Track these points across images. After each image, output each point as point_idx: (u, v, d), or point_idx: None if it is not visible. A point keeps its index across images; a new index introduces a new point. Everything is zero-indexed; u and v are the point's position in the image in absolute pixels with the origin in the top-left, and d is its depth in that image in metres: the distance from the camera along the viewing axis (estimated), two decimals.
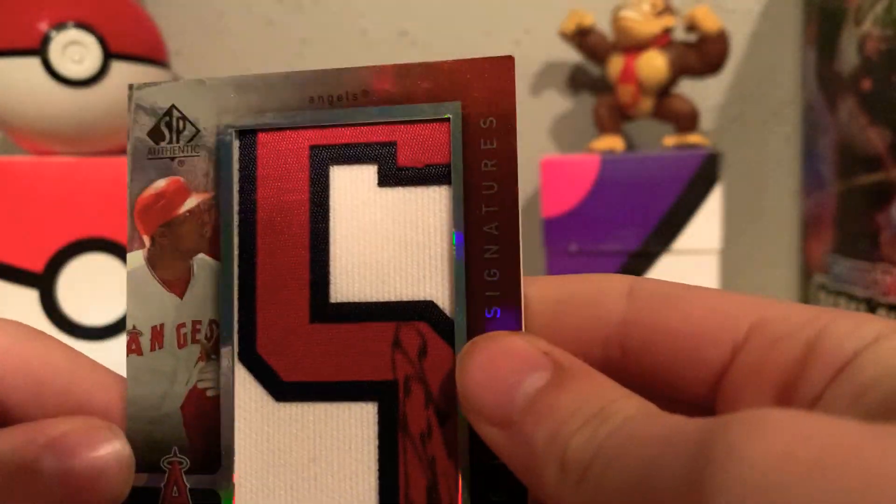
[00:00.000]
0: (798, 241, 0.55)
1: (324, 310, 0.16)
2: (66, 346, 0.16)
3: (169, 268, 0.16)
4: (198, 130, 0.16)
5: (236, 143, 0.16)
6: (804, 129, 0.53)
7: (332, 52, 0.56)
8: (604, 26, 0.48)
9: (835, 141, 0.47)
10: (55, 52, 0.41)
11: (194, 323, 0.16)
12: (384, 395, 0.15)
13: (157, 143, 0.16)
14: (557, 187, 0.44)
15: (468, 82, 0.15)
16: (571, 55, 0.52)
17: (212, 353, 0.16)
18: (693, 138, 0.46)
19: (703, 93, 0.52)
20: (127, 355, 0.16)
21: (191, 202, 0.16)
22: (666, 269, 0.43)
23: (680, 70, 0.46)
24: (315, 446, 0.16)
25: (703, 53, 0.46)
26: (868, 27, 0.43)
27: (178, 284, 0.16)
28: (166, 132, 0.16)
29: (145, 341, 0.16)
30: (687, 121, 0.47)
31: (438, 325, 0.15)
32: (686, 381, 0.15)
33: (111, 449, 0.15)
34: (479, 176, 0.15)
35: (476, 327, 0.15)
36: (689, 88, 0.49)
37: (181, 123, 0.16)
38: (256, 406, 0.16)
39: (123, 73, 0.43)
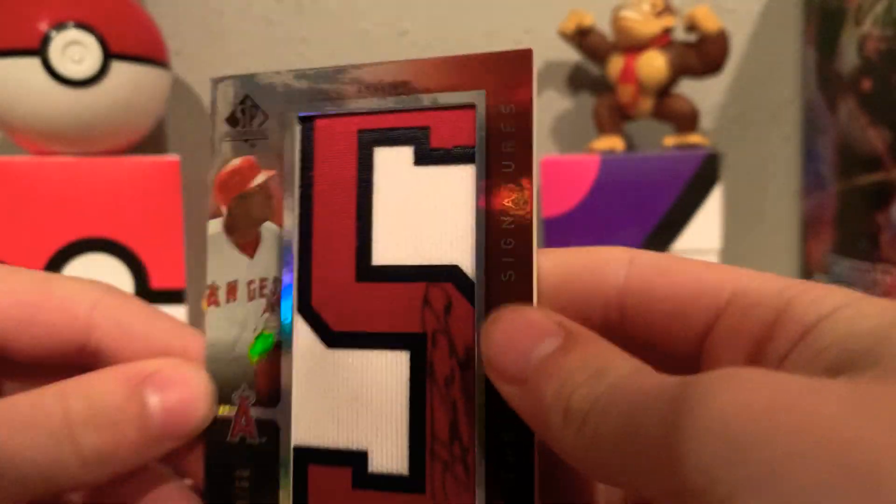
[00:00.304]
0: (798, 242, 0.55)
1: (367, 271, 0.18)
2: (144, 301, 0.19)
3: (242, 233, 0.19)
4: (266, 116, 0.19)
5: (298, 128, 0.19)
6: (804, 130, 0.53)
7: (332, 52, 0.56)
8: (604, 26, 0.48)
9: (835, 141, 0.47)
10: (55, 53, 0.41)
11: (261, 280, 0.19)
12: (415, 345, 0.18)
13: (233, 127, 0.19)
14: (557, 187, 0.44)
15: (491, 73, 0.17)
16: (571, 55, 0.52)
17: (275, 306, 0.18)
18: (693, 138, 0.46)
19: (703, 93, 0.52)
20: (206, 306, 0.19)
21: (260, 178, 0.19)
22: None
23: (680, 70, 0.46)
24: (357, 386, 0.18)
25: (703, 53, 0.46)
26: (868, 27, 0.43)
27: (249, 247, 0.19)
28: (241, 118, 0.19)
29: (222, 295, 0.19)
30: (687, 121, 0.47)
31: (462, 286, 0.18)
32: (675, 341, 0.17)
33: (200, 382, 0.18)
34: (500, 156, 0.17)
35: (493, 289, 0.17)
36: (689, 88, 0.49)
37: (254, 110, 0.19)
38: (311, 351, 0.18)
39: (123, 73, 0.43)
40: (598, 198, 0.44)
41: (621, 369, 0.14)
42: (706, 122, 0.53)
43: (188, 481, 0.19)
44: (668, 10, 0.46)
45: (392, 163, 0.18)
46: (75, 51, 0.41)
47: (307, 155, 0.19)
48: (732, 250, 0.48)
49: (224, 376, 0.18)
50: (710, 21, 0.45)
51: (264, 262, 0.19)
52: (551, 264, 0.17)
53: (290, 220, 0.18)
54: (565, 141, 0.56)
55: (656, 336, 0.17)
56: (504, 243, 0.17)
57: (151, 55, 0.44)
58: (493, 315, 0.16)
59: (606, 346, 0.15)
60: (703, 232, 0.43)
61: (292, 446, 0.18)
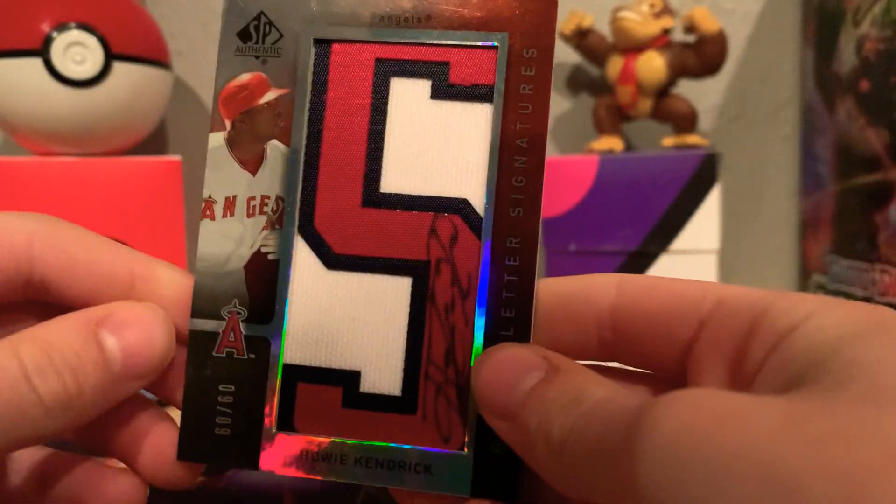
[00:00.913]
0: (796, 242, 0.55)
1: (374, 197, 0.19)
2: (89, 231, 0.19)
3: (245, 149, 0.19)
4: (281, 35, 0.19)
5: (313, 50, 0.19)
6: (803, 130, 0.53)
7: None
8: (603, 27, 0.48)
9: (833, 141, 0.48)
10: (57, 53, 0.41)
11: (263, 197, 0.19)
12: (418, 272, 0.18)
13: (244, 42, 0.19)
14: (557, 188, 0.44)
15: (516, 17, 0.18)
16: (571, 55, 0.52)
17: (276, 224, 0.19)
18: (692, 139, 0.47)
19: (701, 93, 0.52)
20: (201, 219, 0.19)
21: (270, 95, 0.19)
22: (665, 269, 0.43)
23: (679, 71, 0.46)
24: (355, 308, 0.18)
25: (702, 54, 0.46)
26: (866, 28, 0.43)
27: (251, 164, 0.19)
28: (254, 34, 0.19)
29: (218, 209, 0.19)
30: (686, 121, 0.47)
31: (469, 219, 0.18)
32: (663, 355, 0.17)
33: (155, 318, 0.17)
34: (517, 97, 0.18)
35: (501, 223, 0.18)
36: (688, 89, 0.49)
37: (268, 28, 0.19)
38: (310, 271, 0.19)
39: (125, 73, 0.43)
40: (596, 198, 0.44)
41: (595, 395, 0.15)
42: (705, 122, 0.54)
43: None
44: (666, 11, 0.46)
45: (408, 94, 0.19)
46: (77, 51, 0.41)
47: (320, 78, 0.19)
48: (731, 250, 0.48)
49: (214, 291, 0.18)
50: (708, 22, 0.45)
51: (267, 179, 0.19)
52: (547, 292, 0.18)
53: (299, 140, 0.19)
54: (564, 141, 0.56)
55: (644, 352, 0.18)
56: (516, 181, 0.18)
57: (153, 56, 0.45)
58: (482, 354, 0.17)
59: (585, 373, 0.16)
60: (702, 232, 0.43)
61: (283, 364, 0.18)
